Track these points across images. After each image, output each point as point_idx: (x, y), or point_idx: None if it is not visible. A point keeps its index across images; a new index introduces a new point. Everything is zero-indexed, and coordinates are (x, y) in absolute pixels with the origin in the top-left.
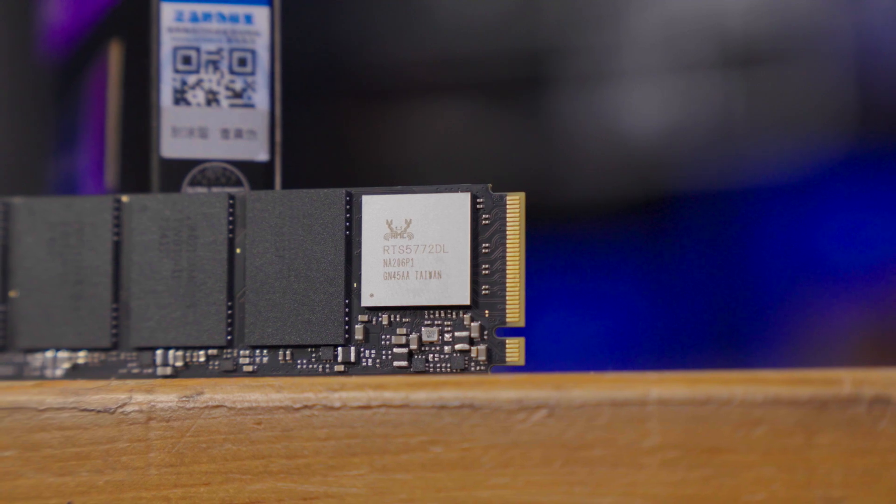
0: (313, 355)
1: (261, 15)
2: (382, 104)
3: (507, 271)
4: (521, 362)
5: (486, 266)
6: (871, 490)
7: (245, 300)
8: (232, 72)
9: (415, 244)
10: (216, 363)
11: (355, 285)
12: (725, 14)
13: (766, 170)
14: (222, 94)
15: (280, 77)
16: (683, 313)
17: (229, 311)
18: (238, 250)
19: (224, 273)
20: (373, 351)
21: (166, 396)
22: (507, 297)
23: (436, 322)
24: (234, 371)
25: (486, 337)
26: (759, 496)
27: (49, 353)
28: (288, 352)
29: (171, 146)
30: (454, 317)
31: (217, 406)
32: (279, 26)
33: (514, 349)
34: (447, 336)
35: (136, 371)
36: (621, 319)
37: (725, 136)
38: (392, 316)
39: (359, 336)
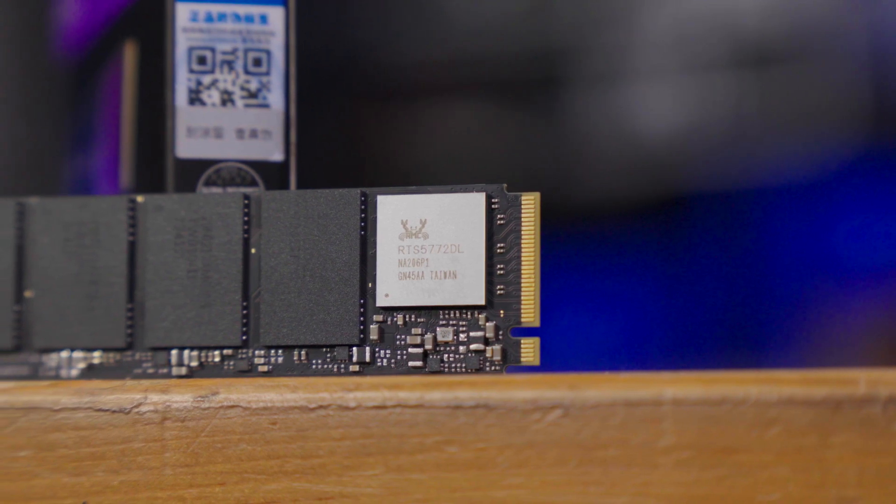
0: (328, 355)
1: (276, 15)
2: (397, 104)
3: (522, 271)
4: (536, 362)
5: (501, 266)
6: (886, 490)
7: (260, 300)
8: (247, 72)
9: (430, 244)
10: (231, 363)
11: (370, 285)
12: (739, 14)
13: (780, 169)
14: (237, 94)
15: (295, 77)
16: (698, 313)
17: (244, 311)
18: (253, 250)
19: (239, 273)
20: (388, 351)
21: (181, 396)
22: (522, 297)
23: (451, 322)
24: (250, 371)
25: (501, 337)
26: (773, 496)
27: (64, 353)
28: (303, 352)
29: (186, 146)
30: (469, 317)
31: (232, 406)
32: (294, 26)
33: (529, 349)
34: (462, 336)
35: (151, 371)
36: (636, 319)
37: (739, 135)
38: (407, 316)
39: (374, 336)
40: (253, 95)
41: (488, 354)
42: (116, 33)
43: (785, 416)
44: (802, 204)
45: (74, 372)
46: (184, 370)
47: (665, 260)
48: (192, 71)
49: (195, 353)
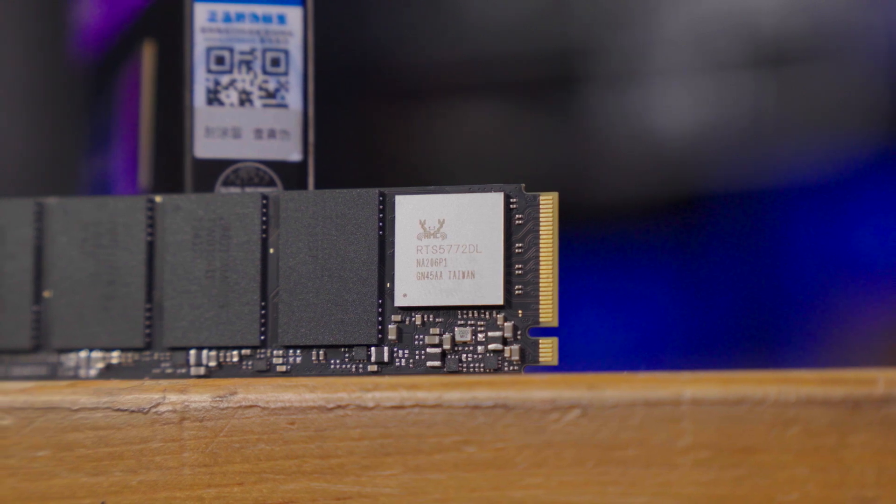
0: (346, 355)
1: (294, 15)
2: (414, 104)
3: (541, 271)
4: (555, 362)
5: (520, 266)
6: None
7: (278, 300)
8: (265, 72)
9: (448, 244)
10: (249, 363)
11: (388, 285)
12: (757, 13)
13: (798, 169)
14: (255, 94)
15: (313, 77)
16: (716, 313)
17: (262, 311)
18: (271, 250)
19: (257, 273)
20: (406, 351)
21: (200, 396)
22: (541, 297)
23: (469, 322)
24: (268, 371)
25: (519, 337)
26: (792, 496)
27: (83, 354)
28: (321, 352)
29: (205, 146)
30: (487, 317)
31: (250, 406)
32: (312, 26)
33: (548, 349)
34: (480, 336)
35: (169, 371)
36: (654, 319)
37: (756, 135)
38: (425, 316)
39: (392, 336)
40: (271, 95)
41: (506, 354)
42: (135, 33)
43: (804, 416)
44: (820, 204)
45: (93, 372)
46: (202, 370)
47: (683, 260)
48: (210, 71)
49: (213, 353)
